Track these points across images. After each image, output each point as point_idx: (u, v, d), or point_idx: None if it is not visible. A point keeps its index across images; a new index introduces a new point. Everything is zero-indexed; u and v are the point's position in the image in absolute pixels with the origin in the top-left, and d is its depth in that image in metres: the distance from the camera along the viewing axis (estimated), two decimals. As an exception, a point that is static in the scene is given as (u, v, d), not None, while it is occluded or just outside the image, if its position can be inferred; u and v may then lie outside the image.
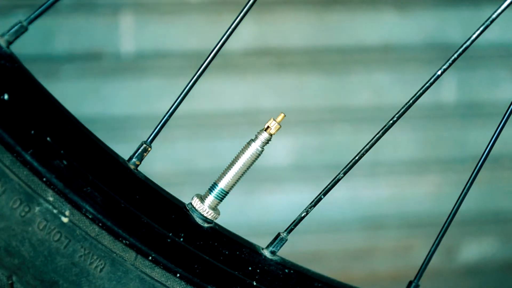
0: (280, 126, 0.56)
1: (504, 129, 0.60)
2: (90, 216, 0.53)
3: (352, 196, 1.42)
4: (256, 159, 0.56)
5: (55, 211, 0.53)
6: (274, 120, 0.56)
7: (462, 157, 1.44)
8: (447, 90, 1.42)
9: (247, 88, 1.35)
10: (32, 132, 0.53)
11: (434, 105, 1.42)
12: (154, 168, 1.31)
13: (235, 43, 1.32)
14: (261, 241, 0.62)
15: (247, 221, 1.38)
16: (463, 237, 1.47)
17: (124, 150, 0.61)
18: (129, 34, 1.29)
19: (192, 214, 0.57)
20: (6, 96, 0.52)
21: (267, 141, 0.56)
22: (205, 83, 1.34)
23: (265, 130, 0.56)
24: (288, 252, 0.67)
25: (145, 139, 0.57)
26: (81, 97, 1.29)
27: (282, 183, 1.40)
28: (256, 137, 0.56)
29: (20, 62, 0.53)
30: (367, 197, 1.43)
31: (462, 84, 1.42)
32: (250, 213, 1.38)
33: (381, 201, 1.43)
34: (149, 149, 0.57)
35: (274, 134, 0.56)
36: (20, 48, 0.57)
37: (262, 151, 0.56)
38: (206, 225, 0.57)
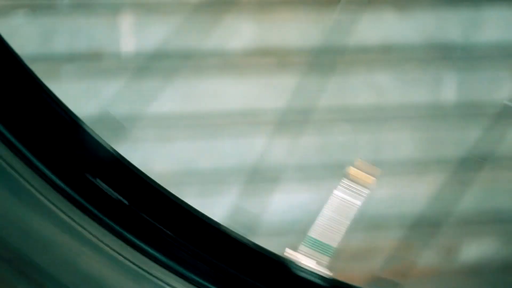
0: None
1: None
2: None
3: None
4: None
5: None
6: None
7: (462, 157, 1.44)
8: (447, 90, 1.42)
9: (247, 88, 1.35)
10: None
11: (434, 105, 1.42)
12: (154, 168, 1.31)
13: (235, 43, 1.32)
14: (261, 241, 0.61)
15: (247, 221, 1.38)
16: (463, 237, 1.47)
17: (124, 150, 0.60)
18: (129, 34, 1.29)
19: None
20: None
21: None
22: (205, 83, 1.34)
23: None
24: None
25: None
26: (81, 97, 1.29)
27: (282, 183, 1.40)
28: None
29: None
30: (367, 197, 1.43)
31: (462, 84, 1.42)
32: (249, 213, 1.38)
33: (381, 201, 1.43)
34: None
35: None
36: (20, 48, 0.57)
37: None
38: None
